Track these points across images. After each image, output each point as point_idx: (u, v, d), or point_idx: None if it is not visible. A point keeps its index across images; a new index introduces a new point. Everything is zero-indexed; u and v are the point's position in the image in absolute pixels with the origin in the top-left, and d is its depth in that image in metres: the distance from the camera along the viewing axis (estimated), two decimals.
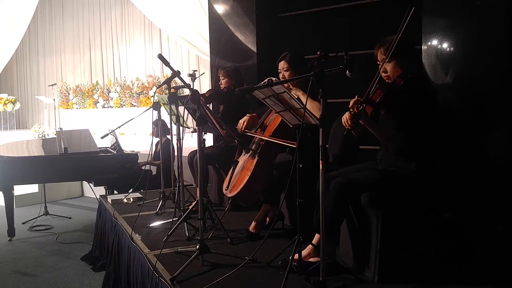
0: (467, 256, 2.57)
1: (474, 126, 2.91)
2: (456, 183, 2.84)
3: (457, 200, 2.81)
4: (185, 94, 6.73)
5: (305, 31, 4.63)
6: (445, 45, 3.03)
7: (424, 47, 3.07)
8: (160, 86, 3.80)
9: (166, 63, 2.76)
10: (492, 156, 2.87)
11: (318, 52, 2.67)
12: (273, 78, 3.12)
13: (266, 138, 3.05)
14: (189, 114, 3.60)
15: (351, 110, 2.36)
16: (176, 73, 2.82)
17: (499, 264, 2.52)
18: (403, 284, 2.34)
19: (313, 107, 2.83)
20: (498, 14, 2.80)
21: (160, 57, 2.77)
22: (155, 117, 3.95)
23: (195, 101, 2.54)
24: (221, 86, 4.10)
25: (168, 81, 3.24)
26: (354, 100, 2.38)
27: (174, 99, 3.38)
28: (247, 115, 3.41)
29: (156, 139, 5.11)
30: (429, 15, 3.08)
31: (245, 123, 3.33)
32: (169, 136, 5.04)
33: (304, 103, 2.29)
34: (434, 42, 3.06)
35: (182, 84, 2.99)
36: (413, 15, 2.29)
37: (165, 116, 4.24)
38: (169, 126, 4.83)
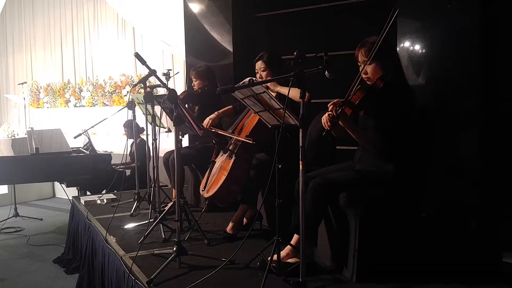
0: (445, 256, 2.60)
1: (446, 126, 2.96)
2: (433, 182, 2.88)
3: (433, 200, 2.85)
4: (159, 93, 6.64)
5: (282, 31, 4.63)
6: (417, 47, 3.07)
7: (397, 49, 3.10)
8: (135, 85, 3.72)
9: (143, 62, 2.71)
10: (465, 156, 2.92)
11: (295, 53, 2.68)
12: (254, 78, 3.12)
13: (229, 135, 3.13)
14: (163, 114, 3.55)
15: (329, 112, 2.37)
16: (153, 72, 2.77)
17: (475, 263, 2.56)
18: (381, 284, 2.35)
19: (294, 95, 2.80)
20: (469, 16, 2.85)
21: (137, 55, 2.71)
22: (130, 116, 3.87)
23: (172, 101, 2.50)
24: (194, 87, 4.06)
25: (144, 80, 3.19)
26: (333, 102, 2.39)
27: (150, 98, 3.33)
28: (215, 112, 3.45)
29: (130, 140, 5.04)
30: (403, 17, 3.12)
31: (210, 121, 3.36)
32: (142, 136, 4.97)
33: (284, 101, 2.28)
34: (407, 43, 3.10)
35: (157, 83, 2.94)
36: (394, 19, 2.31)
37: (140, 116, 4.17)
38: (141, 126, 4.75)
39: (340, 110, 2.34)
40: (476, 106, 2.86)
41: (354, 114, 2.42)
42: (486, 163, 2.86)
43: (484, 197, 2.85)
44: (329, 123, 2.35)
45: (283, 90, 2.94)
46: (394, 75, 2.48)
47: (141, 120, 4.46)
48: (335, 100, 2.38)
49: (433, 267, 2.50)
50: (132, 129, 4.59)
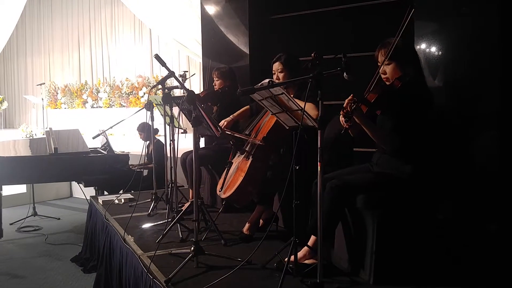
0: (463, 258, 2.59)
1: (465, 129, 2.93)
2: (450, 185, 2.86)
3: (452, 202, 2.83)
4: (175, 95, 6.70)
5: (298, 33, 4.63)
6: (433, 49, 3.05)
7: None
8: (154, 86, 3.77)
9: (163, 64, 2.74)
10: (483, 158, 2.90)
11: (312, 54, 2.67)
12: (273, 80, 3.12)
13: (242, 136, 3.20)
14: (180, 115, 3.58)
15: (344, 108, 2.37)
16: (172, 74, 2.80)
17: (494, 265, 2.54)
18: (398, 286, 2.34)
19: (308, 108, 2.82)
20: (486, 17, 2.82)
21: (157, 57, 2.74)
22: (148, 117, 3.92)
23: (191, 102, 2.53)
24: (215, 87, 4.09)
25: (163, 81, 3.22)
26: (349, 98, 2.38)
27: (168, 99, 3.36)
28: (231, 115, 3.53)
29: (147, 142, 5.09)
30: (420, 19, 3.10)
31: (225, 123, 3.45)
32: (159, 137, 5.01)
33: (302, 105, 2.29)
34: (423, 45, 3.09)
35: (174, 85, 2.97)
36: (411, 18, 2.30)
37: (157, 117, 4.21)
38: (155, 127, 4.79)
39: (354, 106, 2.35)
40: (494, 108, 2.83)
41: (370, 112, 2.42)
42: (505, 165, 2.83)
43: (503, 200, 2.82)
44: (343, 119, 2.36)
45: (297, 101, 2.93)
46: (413, 76, 2.48)
47: (158, 121, 4.51)
48: (351, 97, 2.38)
49: (450, 270, 2.48)
50: (146, 131, 4.63)
